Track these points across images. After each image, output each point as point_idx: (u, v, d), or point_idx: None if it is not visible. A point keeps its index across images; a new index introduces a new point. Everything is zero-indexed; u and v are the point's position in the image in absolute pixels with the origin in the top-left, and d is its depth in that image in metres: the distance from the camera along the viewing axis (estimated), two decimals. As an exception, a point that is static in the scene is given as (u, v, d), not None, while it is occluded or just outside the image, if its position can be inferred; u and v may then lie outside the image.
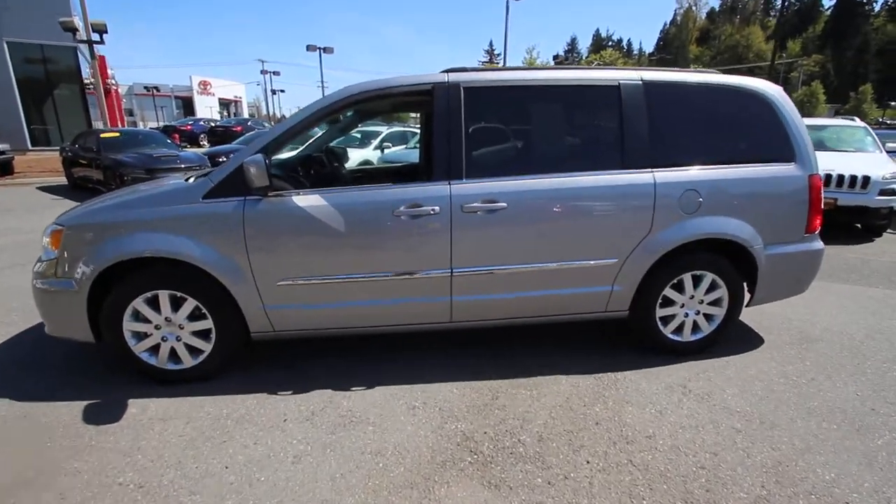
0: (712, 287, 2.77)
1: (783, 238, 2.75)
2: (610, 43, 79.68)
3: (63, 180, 11.30)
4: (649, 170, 2.53)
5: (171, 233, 2.32)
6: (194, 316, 2.48)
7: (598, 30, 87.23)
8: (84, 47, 13.50)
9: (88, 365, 2.80)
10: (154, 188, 2.59)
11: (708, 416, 2.31)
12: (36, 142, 17.33)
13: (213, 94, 48.33)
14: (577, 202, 2.49)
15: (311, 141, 3.73)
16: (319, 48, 31.95)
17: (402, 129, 12.30)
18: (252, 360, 2.84)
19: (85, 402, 2.44)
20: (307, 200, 2.36)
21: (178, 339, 2.50)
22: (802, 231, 2.76)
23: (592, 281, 2.61)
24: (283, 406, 2.39)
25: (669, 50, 70.62)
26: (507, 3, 22.05)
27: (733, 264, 2.74)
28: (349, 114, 3.64)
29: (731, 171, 2.61)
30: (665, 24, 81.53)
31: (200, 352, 2.54)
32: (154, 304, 2.43)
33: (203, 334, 2.52)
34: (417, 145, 10.91)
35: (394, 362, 2.82)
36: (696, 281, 2.75)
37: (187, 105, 46.55)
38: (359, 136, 10.73)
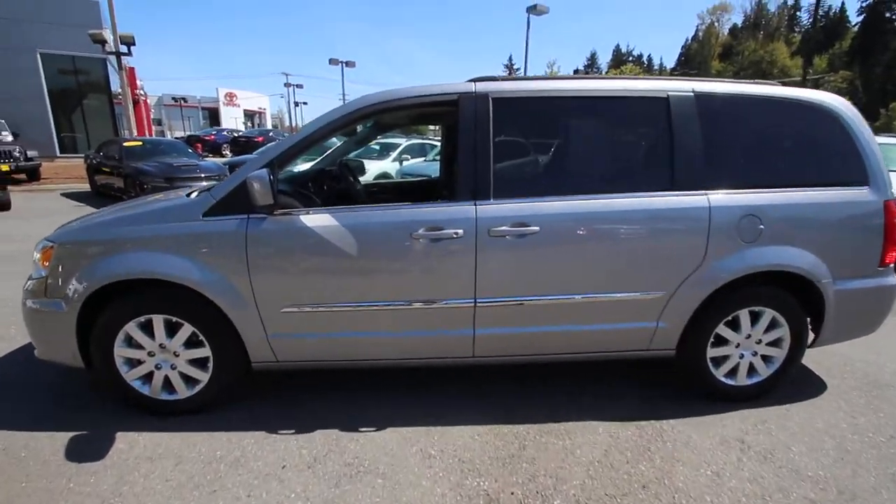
0: (772, 325, 2.43)
1: (854, 272, 2.40)
2: (630, 58, 79.31)
3: (87, 187, 11.46)
4: (703, 192, 2.23)
5: (168, 252, 2.11)
6: (191, 343, 2.25)
7: (618, 44, 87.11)
8: (113, 58, 13.82)
9: (80, 390, 2.59)
10: (153, 203, 2.40)
11: (775, 480, 1.96)
12: (64, 149, 17.80)
13: (239, 106, 49.41)
14: (619, 227, 2.20)
15: (327, 153, 3.54)
16: (342, 62, 32.52)
17: (420, 141, 12.17)
18: (253, 391, 2.60)
19: (70, 434, 2.22)
20: (316, 220, 2.12)
21: (173, 367, 2.28)
22: (875, 264, 2.41)
23: (635, 316, 2.31)
24: (283, 449, 2.13)
25: (691, 65, 69.88)
26: (528, 18, 21.98)
27: (797, 300, 2.40)
28: (368, 125, 3.45)
29: (796, 195, 2.29)
30: (686, 40, 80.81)
31: (197, 382, 2.31)
32: (148, 328, 2.22)
33: (200, 363, 2.29)
34: (437, 158, 10.80)
35: (408, 399, 2.54)
36: (754, 318, 2.42)
37: (213, 116, 47.66)
38: (377, 147, 10.63)
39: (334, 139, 4.97)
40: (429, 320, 2.24)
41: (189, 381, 2.31)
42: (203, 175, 9.23)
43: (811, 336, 2.54)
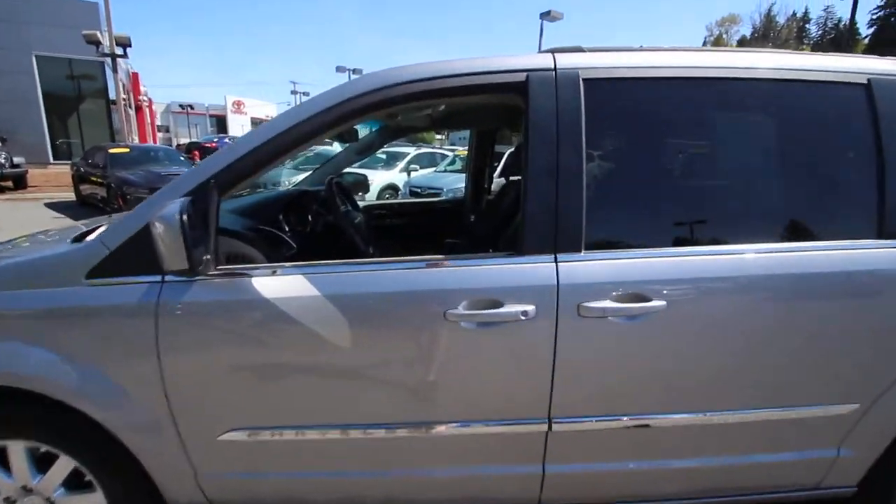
0: None
1: None
2: (639, 69, 78.65)
3: (74, 196, 10.71)
4: (932, 243, 1.33)
5: (25, 340, 1.23)
6: (74, 483, 1.36)
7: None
8: (111, 62, 13.16)
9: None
10: (18, 251, 1.53)
11: None
12: (58, 155, 17.10)
13: (246, 114, 49.13)
14: (795, 301, 1.30)
15: (316, 167, 2.67)
16: (349, 69, 31.95)
17: (430, 150, 11.37)
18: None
19: None
20: (281, 287, 1.23)
21: (48, 519, 1.39)
22: None
23: (805, 440, 1.41)
24: None
25: (701, 76, 69.21)
26: (542, 24, 21.29)
27: None
28: (374, 128, 2.59)
29: None
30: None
31: (87, 541, 1.42)
32: (2, 461, 1.34)
33: (91, 512, 1.40)
34: (448, 169, 9.94)
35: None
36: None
37: (221, 123, 47.39)
38: (383, 156, 9.81)
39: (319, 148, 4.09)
40: (469, 452, 1.35)
41: (74, 539, 1.42)
42: (193, 185, 8.43)
43: None
